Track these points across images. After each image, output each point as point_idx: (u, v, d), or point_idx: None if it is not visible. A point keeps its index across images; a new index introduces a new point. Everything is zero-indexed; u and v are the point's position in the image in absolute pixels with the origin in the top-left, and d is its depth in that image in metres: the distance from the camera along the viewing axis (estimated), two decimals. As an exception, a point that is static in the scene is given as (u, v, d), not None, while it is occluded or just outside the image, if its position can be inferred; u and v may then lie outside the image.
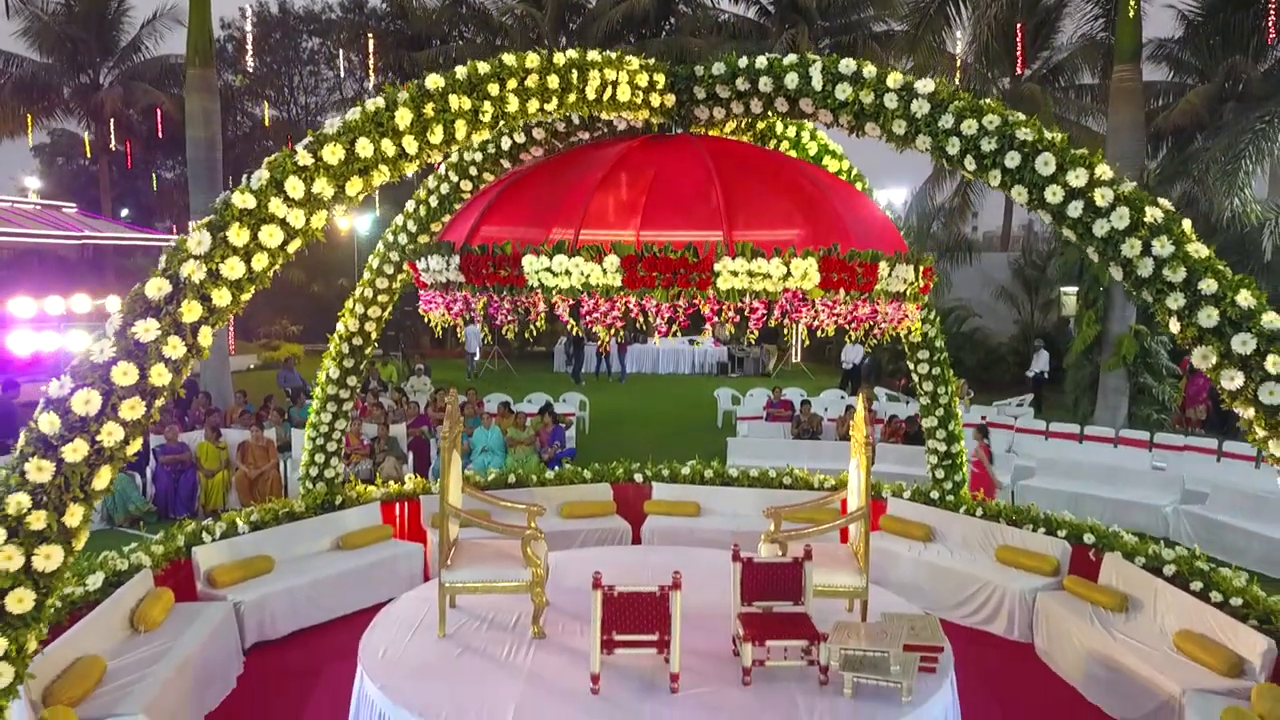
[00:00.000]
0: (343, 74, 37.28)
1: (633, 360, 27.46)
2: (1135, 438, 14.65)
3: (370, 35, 30.17)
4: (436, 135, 4.74)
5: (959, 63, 24.89)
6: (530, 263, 4.90)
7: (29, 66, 29.93)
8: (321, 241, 4.65)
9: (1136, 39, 15.69)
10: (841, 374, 22.91)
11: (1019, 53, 21.58)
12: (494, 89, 4.96)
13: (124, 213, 38.99)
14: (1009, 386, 23.55)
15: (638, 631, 5.53)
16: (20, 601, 3.47)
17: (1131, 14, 14.34)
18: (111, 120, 30.88)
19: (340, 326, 8.44)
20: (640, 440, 15.89)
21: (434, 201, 7.72)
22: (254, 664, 7.24)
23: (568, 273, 4.84)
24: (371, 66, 28.24)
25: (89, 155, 36.54)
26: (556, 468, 10.66)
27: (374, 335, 8.50)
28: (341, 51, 35.41)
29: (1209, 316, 4.33)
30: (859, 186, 7.74)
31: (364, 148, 4.43)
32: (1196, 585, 6.87)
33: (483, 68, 4.97)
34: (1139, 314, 16.84)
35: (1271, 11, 14.75)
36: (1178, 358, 17.35)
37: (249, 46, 27.91)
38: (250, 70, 32.45)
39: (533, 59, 5.18)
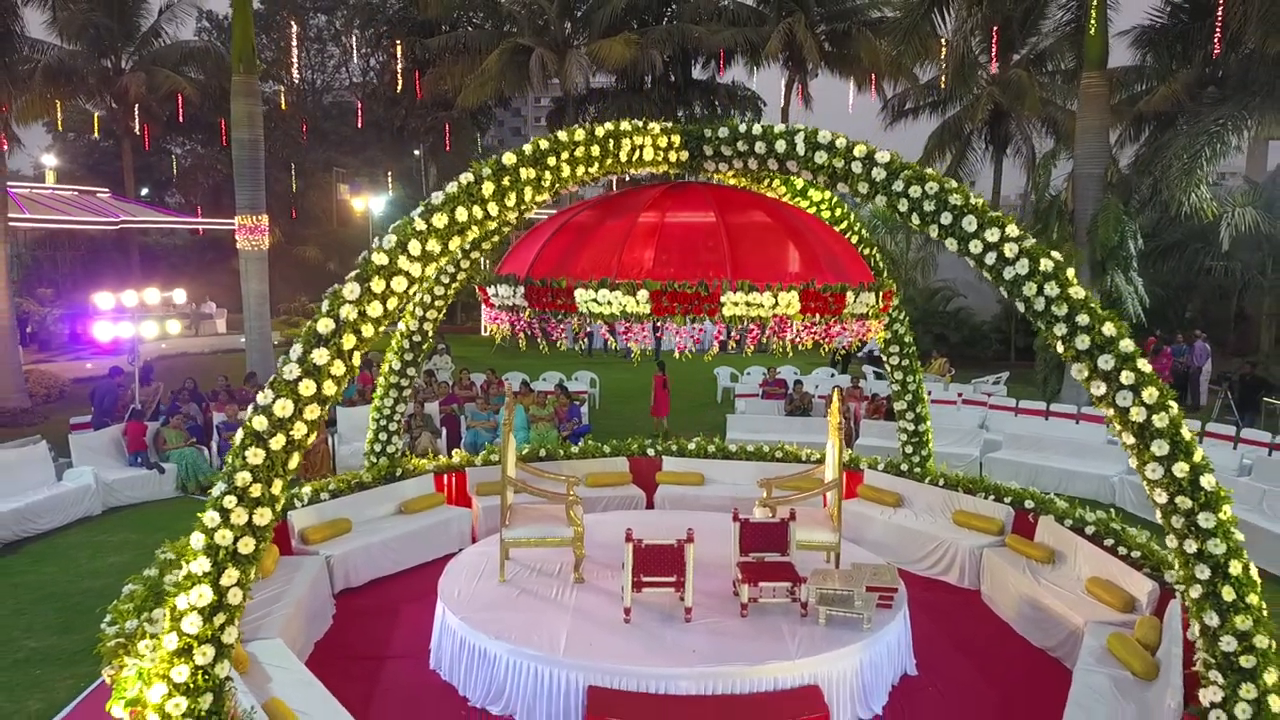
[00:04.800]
0: (355, 58, 38.41)
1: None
2: (1096, 414, 16.19)
3: (384, 26, 31.34)
4: (511, 200, 6.24)
5: (943, 49, 26.00)
6: (581, 294, 6.48)
7: (56, 53, 31.05)
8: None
9: (1103, 48, 17.05)
10: (832, 351, 24.44)
11: (993, 53, 22.85)
12: (552, 160, 6.47)
13: (143, 191, 40.34)
14: (991, 362, 25.17)
15: (660, 575, 7.17)
16: (247, 546, 5.06)
17: (1093, 31, 15.69)
18: (135, 105, 32.08)
19: (401, 325, 9.97)
20: (647, 416, 17.35)
21: (484, 223, 9.21)
22: (343, 606, 8.84)
23: (609, 302, 6.41)
24: (398, 54, 29.40)
25: (97, 134, 37.84)
26: (578, 442, 12.23)
27: (430, 333, 10.04)
28: (355, 34, 36.51)
29: (1083, 342, 5.86)
30: (839, 212, 9.25)
31: (461, 214, 5.94)
32: (1109, 541, 8.48)
33: (543, 144, 6.47)
34: (1104, 299, 18.28)
35: (1218, 27, 16.11)
36: (1141, 339, 18.78)
37: (294, 60, 29.10)
38: (294, 81, 33.71)
39: (579, 133, 6.68)
